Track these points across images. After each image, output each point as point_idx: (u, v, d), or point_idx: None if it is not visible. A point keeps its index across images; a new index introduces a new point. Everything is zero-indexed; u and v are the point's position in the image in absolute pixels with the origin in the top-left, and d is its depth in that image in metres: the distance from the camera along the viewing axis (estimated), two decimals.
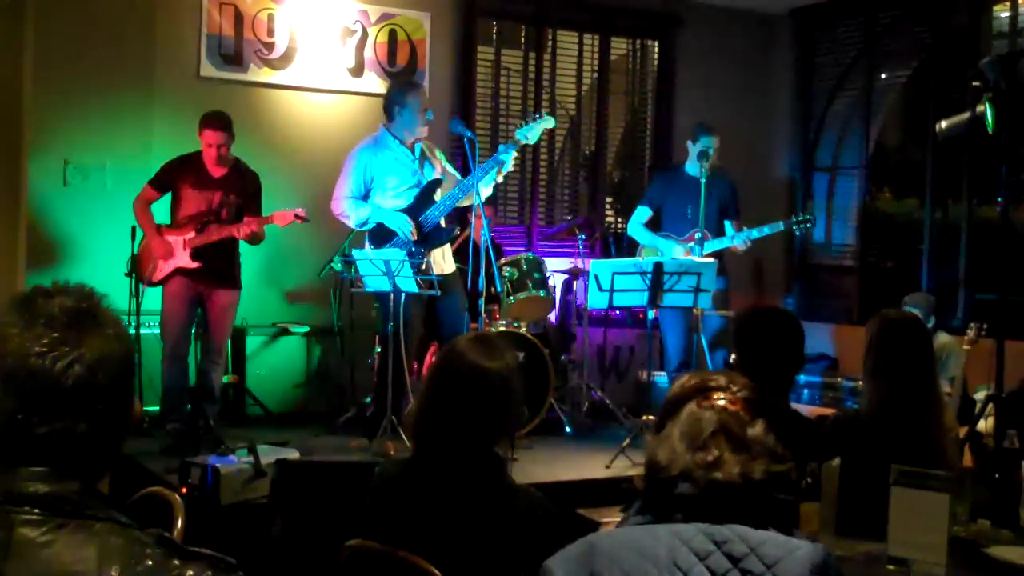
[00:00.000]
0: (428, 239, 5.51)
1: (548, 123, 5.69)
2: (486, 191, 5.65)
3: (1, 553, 1.30)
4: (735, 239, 6.13)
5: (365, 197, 5.53)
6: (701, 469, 1.69)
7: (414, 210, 5.50)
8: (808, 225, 6.27)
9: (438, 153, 5.79)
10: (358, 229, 5.59)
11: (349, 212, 5.51)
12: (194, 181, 5.52)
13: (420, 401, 2.45)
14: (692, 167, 6.21)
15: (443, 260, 5.63)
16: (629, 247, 6.93)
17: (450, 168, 5.83)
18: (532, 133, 5.60)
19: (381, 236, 5.48)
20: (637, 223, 6.43)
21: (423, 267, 5.39)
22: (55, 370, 1.36)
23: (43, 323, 1.38)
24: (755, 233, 6.14)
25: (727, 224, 6.32)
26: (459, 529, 2.28)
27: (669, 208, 6.34)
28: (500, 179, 5.67)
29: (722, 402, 1.76)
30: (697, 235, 6.01)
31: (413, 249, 5.35)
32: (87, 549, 1.31)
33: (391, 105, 5.56)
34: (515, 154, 5.66)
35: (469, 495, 2.32)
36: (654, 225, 6.40)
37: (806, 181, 8.19)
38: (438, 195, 5.56)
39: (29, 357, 1.35)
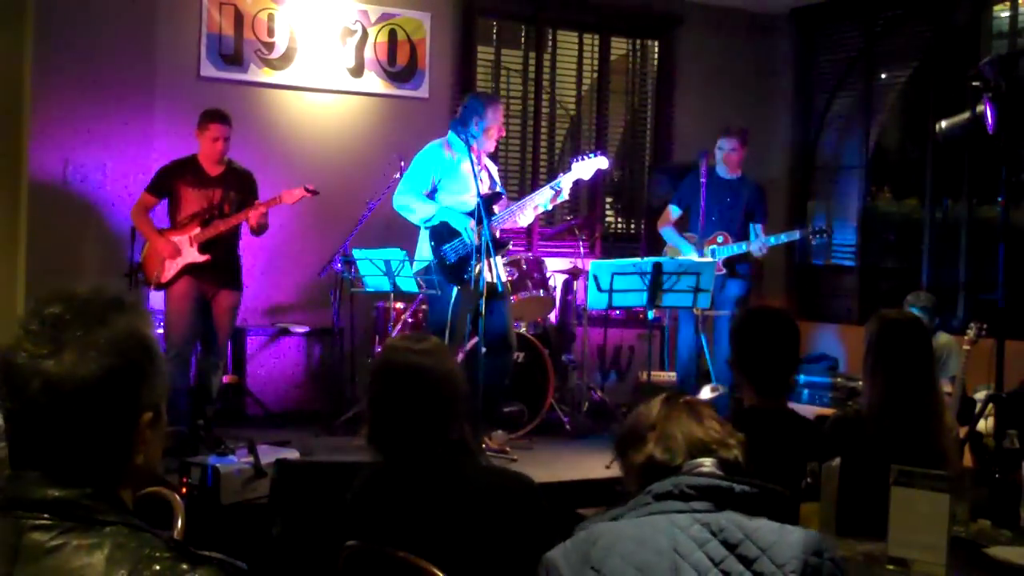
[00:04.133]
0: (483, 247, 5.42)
1: (601, 163, 5.58)
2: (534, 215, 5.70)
3: (9, 558, 1.31)
4: (752, 245, 6.20)
5: (430, 195, 5.48)
6: (715, 443, 1.87)
7: (476, 217, 5.46)
8: (824, 237, 6.40)
9: (492, 167, 5.77)
10: (421, 225, 5.51)
11: (416, 206, 5.43)
12: (192, 181, 5.53)
13: (367, 408, 2.47)
14: (721, 169, 6.34)
15: (497, 269, 5.46)
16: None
17: (498, 183, 5.77)
18: (586, 169, 5.52)
19: (442, 235, 5.44)
20: (666, 221, 6.50)
21: (473, 272, 5.35)
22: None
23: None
24: (772, 240, 6.23)
25: (754, 227, 6.35)
26: (442, 523, 2.27)
27: (696, 208, 6.37)
28: (551, 207, 5.63)
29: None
30: (719, 238, 6.19)
31: (471, 253, 5.33)
32: (95, 554, 1.31)
33: (470, 114, 5.47)
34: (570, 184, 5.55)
35: (440, 487, 2.32)
36: (683, 224, 6.50)
37: (806, 181, 8.19)
38: (497, 207, 5.48)
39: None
